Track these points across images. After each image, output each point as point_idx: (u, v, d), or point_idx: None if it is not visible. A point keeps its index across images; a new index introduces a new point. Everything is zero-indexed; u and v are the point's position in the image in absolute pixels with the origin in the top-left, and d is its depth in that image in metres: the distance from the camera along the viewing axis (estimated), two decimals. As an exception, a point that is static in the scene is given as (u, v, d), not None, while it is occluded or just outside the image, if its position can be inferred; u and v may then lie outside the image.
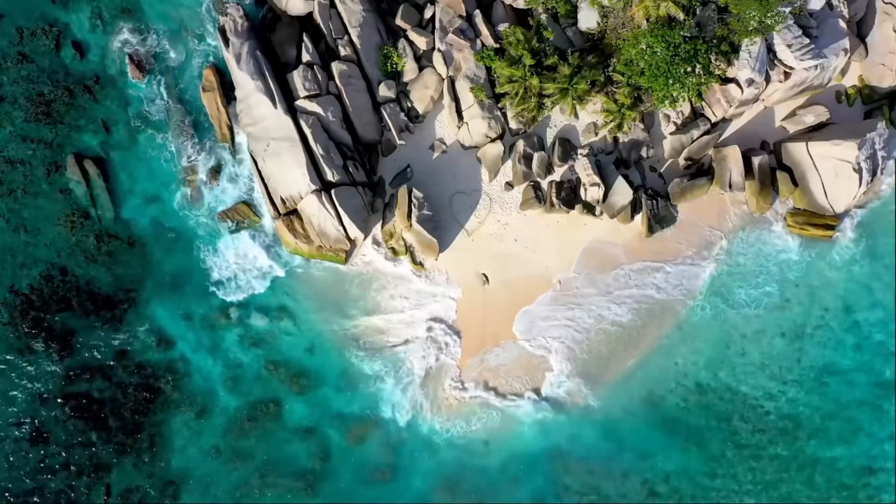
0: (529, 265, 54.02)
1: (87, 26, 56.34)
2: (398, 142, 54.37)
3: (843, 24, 52.22)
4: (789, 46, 50.06)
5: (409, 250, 54.22)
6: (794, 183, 54.22)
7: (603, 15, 51.17)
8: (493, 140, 53.91)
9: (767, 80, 51.25)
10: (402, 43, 54.05)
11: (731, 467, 53.84)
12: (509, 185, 54.46)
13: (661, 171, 54.98)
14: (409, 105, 54.16)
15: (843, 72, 54.58)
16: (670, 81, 48.69)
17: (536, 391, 53.89)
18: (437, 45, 53.42)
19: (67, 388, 53.73)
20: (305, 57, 53.45)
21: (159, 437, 53.88)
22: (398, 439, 54.04)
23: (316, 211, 51.85)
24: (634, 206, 53.55)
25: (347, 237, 52.77)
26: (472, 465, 53.77)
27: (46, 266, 54.41)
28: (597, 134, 54.26)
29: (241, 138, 55.27)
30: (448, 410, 54.03)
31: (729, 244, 54.71)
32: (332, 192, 51.72)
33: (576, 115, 52.91)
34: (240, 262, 54.79)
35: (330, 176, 51.72)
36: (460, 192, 54.63)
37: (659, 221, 53.98)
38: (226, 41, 53.47)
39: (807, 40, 50.34)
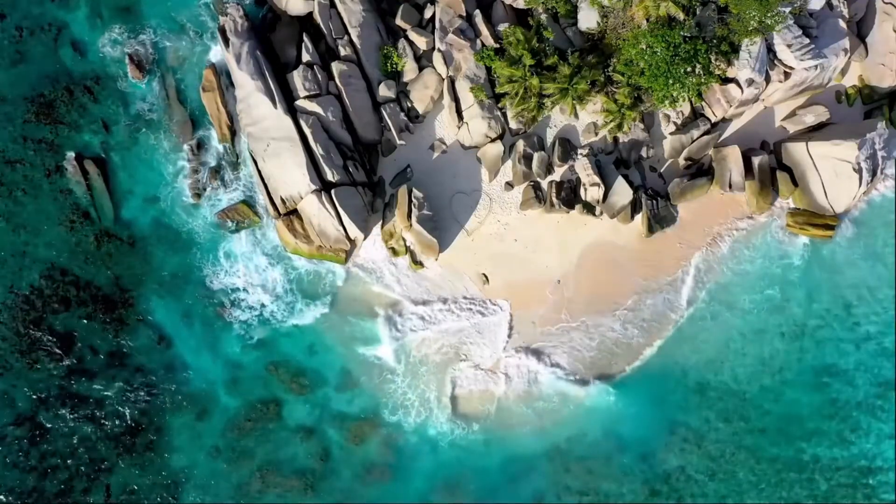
0: (529, 265, 54.01)
1: (86, 26, 56.36)
2: (398, 142, 54.36)
3: (843, 24, 52.23)
4: (789, 46, 50.06)
5: (409, 250, 54.22)
6: (794, 183, 54.22)
7: (603, 15, 51.17)
8: (493, 140, 53.90)
9: (767, 80, 51.24)
10: (402, 43, 54.05)
11: (731, 467, 53.83)
12: (509, 185, 54.46)
13: (661, 171, 54.97)
14: (409, 105, 54.15)
15: (843, 72, 54.58)
16: (670, 81, 48.69)
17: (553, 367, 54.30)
18: (437, 45, 53.41)
19: (67, 387, 53.75)
20: (305, 57, 53.44)
21: (159, 437, 53.88)
22: (399, 439, 53.98)
23: (316, 211, 51.84)
24: (634, 206, 53.53)
25: (347, 237, 52.76)
26: (473, 465, 53.76)
27: (46, 266, 54.41)
28: (597, 134, 54.26)
29: (241, 138, 55.27)
30: (451, 406, 53.96)
31: (729, 245, 54.71)
32: (332, 192, 51.70)
33: (576, 115, 52.90)
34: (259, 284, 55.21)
35: (330, 176, 51.72)
36: (460, 192, 54.63)
37: (659, 221, 53.96)
38: (226, 41, 53.48)
39: (807, 40, 50.34)
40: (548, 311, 54.09)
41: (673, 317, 54.37)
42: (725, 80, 51.28)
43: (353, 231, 52.50)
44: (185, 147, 55.60)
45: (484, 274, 54.40)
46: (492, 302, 54.34)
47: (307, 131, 51.79)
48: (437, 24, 53.40)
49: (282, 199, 52.81)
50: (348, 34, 53.83)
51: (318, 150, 51.68)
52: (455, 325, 54.18)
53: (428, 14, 54.30)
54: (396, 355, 54.17)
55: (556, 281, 54.12)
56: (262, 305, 54.64)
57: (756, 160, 53.61)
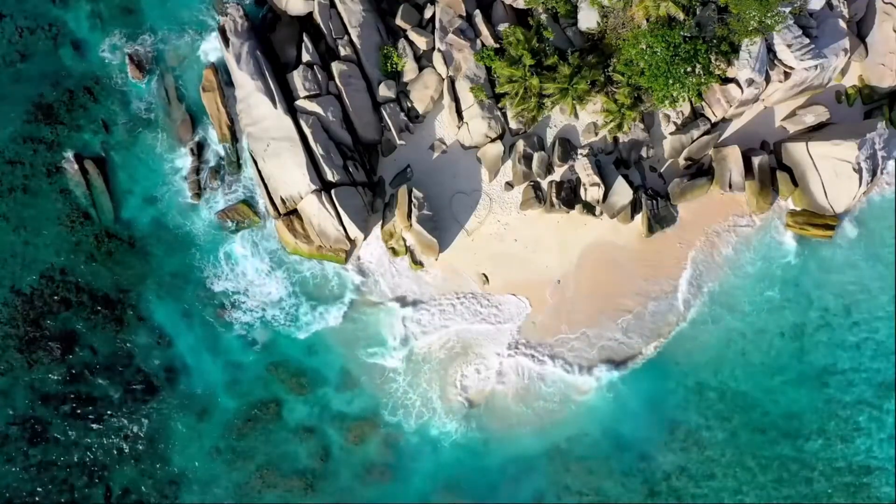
0: (529, 265, 54.01)
1: (86, 26, 56.38)
2: (398, 142, 54.37)
3: (843, 24, 52.25)
4: (789, 46, 50.07)
5: (409, 250, 54.23)
6: (794, 183, 54.23)
7: (603, 15, 51.19)
8: (493, 140, 53.91)
9: (767, 80, 51.26)
10: (402, 43, 54.06)
11: (731, 467, 53.81)
12: (509, 185, 54.46)
13: (661, 171, 54.98)
14: (409, 105, 54.16)
15: (843, 72, 54.60)
16: (670, 81, 48.70)
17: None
18: (437, 45, 53.42)
19: (67, 387, 53.73)
20: (305, 57, 53.46)
21: (159, 437, 53.84)
22: (399, 438, 53.89)
23: (316, 211, 51.85)
24: (634, 206, 53.54)
25: (347, 237, 52.77)
26: (473, 464, 53.75)
27: (46, 266, 54.42)
28: (597, 134, 54.26)
29: (241, 138, 55.26)
30: (452, 406, 53.90)
31: (729, 246, 54.69)
32: (332, 192, 51.71)
33: (576, 115, 52.91)
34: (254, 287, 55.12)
35: (330, 176, 51.72)
36: (460, 192, 54.63)
37: (659, 221, 53.96)
38: (226, 41, 53.53)
39: (807, 40, 50.36)
40: (547, 317, 53.98)
41: (673, 319, 54.33)
42: (725, 80, 51.30)
43: (353, 231, 52.51)
44: (185, 147, 55.61)
45: (484, 274, 54.39)
46: (518, 297, 54.08)
47: (307, 131, 51.80)
48: (437, 24, 53.42)
49: (282, 199, 52.81)
50: (348, 34, 53.85)
51: (318, 150, 51.69)
52: (460, 324, 54.11)
53: (428, 14, 54.33)
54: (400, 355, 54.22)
55: (556, 281, 54.12)
56: (263, 308, 54.60)
57: (756, 160, 53.61)
